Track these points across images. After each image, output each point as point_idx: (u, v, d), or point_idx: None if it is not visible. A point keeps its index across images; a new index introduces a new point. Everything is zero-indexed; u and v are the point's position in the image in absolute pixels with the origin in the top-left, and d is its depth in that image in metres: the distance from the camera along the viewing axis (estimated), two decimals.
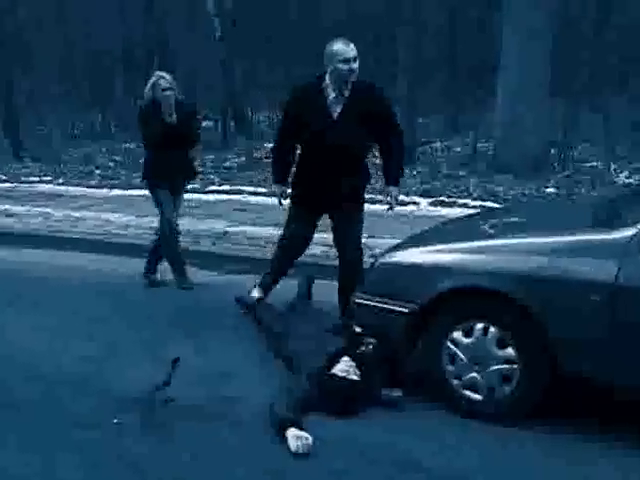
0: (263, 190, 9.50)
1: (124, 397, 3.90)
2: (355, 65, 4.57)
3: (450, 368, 3.68)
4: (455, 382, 3.67)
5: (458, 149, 13.38)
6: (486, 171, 10.12)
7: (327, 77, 4.66)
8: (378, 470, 3.23)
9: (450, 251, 3.71)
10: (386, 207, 4.92)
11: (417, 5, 12.59)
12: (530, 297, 3.40)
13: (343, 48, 4.57)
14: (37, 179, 11.30)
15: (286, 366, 4.18)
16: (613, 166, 10.48)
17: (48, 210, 8.84)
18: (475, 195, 8.57)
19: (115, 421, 3.65)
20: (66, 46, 17.70)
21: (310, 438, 3.34)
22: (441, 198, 8.44)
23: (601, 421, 3.56)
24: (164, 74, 5.75)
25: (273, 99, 17.47)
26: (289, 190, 5.12)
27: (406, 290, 3.76)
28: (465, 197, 8.48)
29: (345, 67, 4.55)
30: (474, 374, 3.61)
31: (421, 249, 3.86)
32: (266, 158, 13.05)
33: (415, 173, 11.06)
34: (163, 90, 5.62)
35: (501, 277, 3.47)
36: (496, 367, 3.55)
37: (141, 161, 6.21)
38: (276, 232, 7.37)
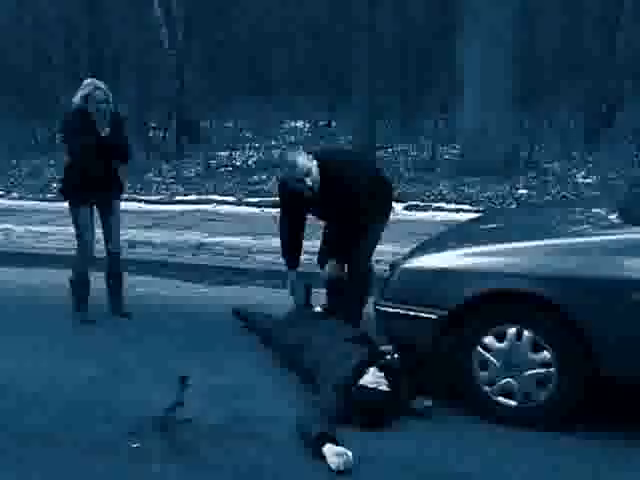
0: (231, 199, 9.32)
1: (137, 420, 3.68)
2: (309, 180, 4.47)
3: (482, 374, 3.59)
4: (487, 389, 3.59)
5: (414, 153, 13.47)
6: (453, 175, 10.16)
7: None
8: None
9: (477, 254, 3.63)
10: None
11: (372, 11, 12.61)
12: (567, 298, 3.34)
13: (291, 170, 4.51)
14: None
15: (302, 379, 4.03)
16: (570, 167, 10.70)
17: (8, 226, 8.44)
18: (449, 198, 8.55)
19: (134, 445, 3.44)
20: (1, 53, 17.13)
21: (350, 454, 3.20)
22: (415, 202, 8.39)
23: None
24: (100, 84, 5.13)
25: (222, 107, 17.36)
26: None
27: (432, 296, 3.66)
28: (439, 200, 8.45)
29: (299, 185, 4.53)
30: (508, 379, 3.53)
31: (445, 253, 3.77)
32: (225, 167, 12.94)
33: None
34: (99, 103, 5.04)
35: (535, 279, 3.40)
36: (531, 372, 3.48)
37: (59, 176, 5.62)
38: (254, 242, 7.28)
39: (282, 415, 3.66)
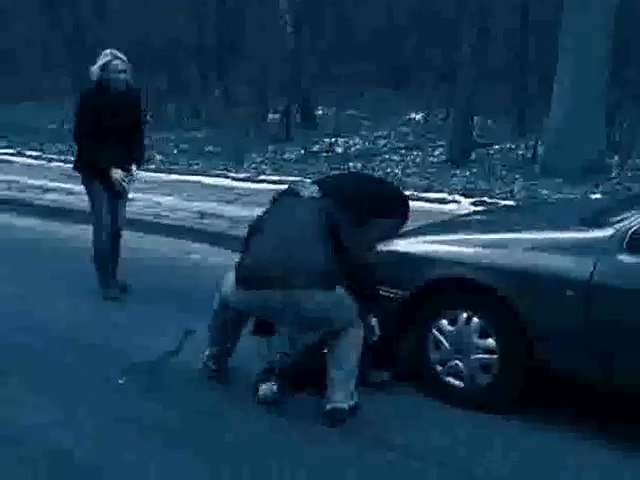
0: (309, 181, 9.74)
1: (136, 362, 4.20)
2: None
3: (435, 355, 3.83)
4: (439, 368, 3.83)
5: (520, 152, 13.37)
6: (540, 174, 10.09)
7: None
8: (352, 444, 3.43)
9: (440, 242, 3.87)
10: None
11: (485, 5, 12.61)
12: (510, 290, 3.52)
13: None
14: None
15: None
16: None
17: None
18: (518, 197, 8.58)
19: (120, 382, 3.98)
20: (142, 37, 18.38)
21: (275, 385, 3.62)
22: (483, 198, 8.48)
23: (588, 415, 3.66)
24: (119, 53, 5.08)
25: (340, 94, 17.81)
26: None
27: (398, 277, 3.92)
28: (507, 199, 8.49)
29: None
30: (457, 362, 3.75)
31: (416, 239, 4.03)
32: (325, 152, 13.40)
33: (468, 173, 11.16)
34: (118, 72, 5.02)
35: (484, 269, 3.60)
36: (477, 356, 3.69)
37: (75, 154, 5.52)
38: None
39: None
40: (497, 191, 8.94)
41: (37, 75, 20.40)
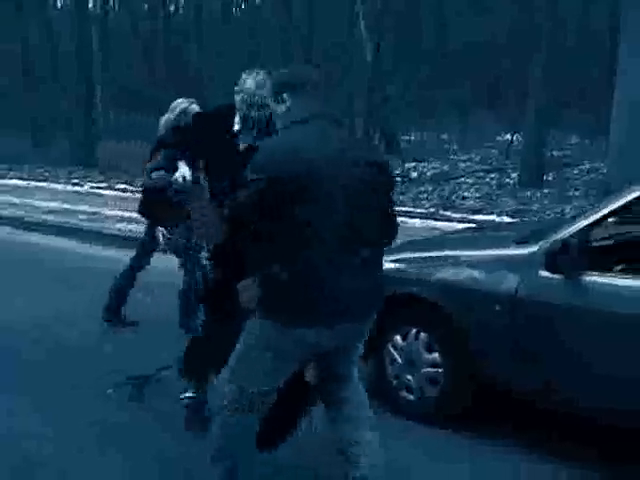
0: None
1: (130, 374, 4.54)
2: None
3: (390, 369, 3.98)
4: (394, 382, 3.97)
5: (604, 171, 13.04)
6: (603, 193, 9.85)
7: None
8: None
9: (397, 260, 4.03)
10: None
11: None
12: (450, 305, 3.66)
13: None
14: None
15: None
16: None
17: None
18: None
19: (108, 391, 4.35)
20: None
21: None
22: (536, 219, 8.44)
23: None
24: (193, 100, 5.18)
25: (420, 120, 17.92)
26: None
27: None
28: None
29: None
30: (408, 376, 3.89)
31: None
32: (400, 176, 13.53)
33: (539, 195, 11.04)
34: None
35: (428, 286, 3.75)
36: (425, 370, 3.82)
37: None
38: None
39: None
40: (547, 212, 8.84)
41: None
